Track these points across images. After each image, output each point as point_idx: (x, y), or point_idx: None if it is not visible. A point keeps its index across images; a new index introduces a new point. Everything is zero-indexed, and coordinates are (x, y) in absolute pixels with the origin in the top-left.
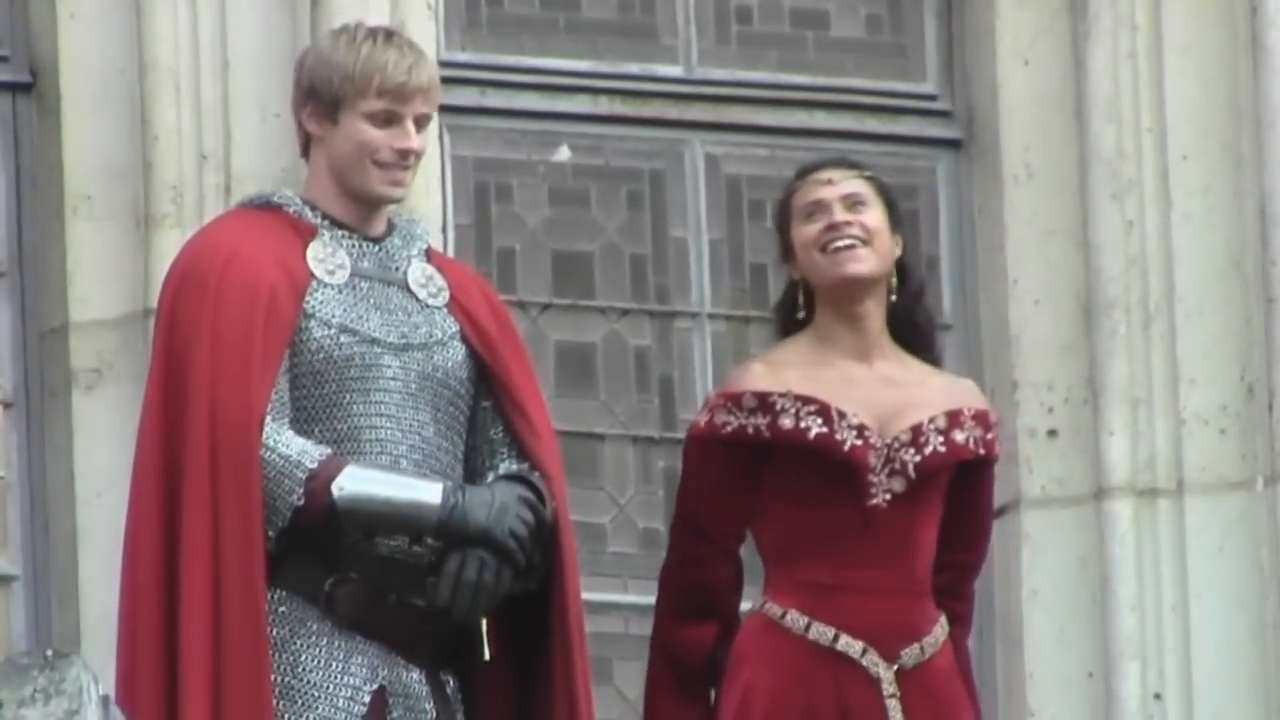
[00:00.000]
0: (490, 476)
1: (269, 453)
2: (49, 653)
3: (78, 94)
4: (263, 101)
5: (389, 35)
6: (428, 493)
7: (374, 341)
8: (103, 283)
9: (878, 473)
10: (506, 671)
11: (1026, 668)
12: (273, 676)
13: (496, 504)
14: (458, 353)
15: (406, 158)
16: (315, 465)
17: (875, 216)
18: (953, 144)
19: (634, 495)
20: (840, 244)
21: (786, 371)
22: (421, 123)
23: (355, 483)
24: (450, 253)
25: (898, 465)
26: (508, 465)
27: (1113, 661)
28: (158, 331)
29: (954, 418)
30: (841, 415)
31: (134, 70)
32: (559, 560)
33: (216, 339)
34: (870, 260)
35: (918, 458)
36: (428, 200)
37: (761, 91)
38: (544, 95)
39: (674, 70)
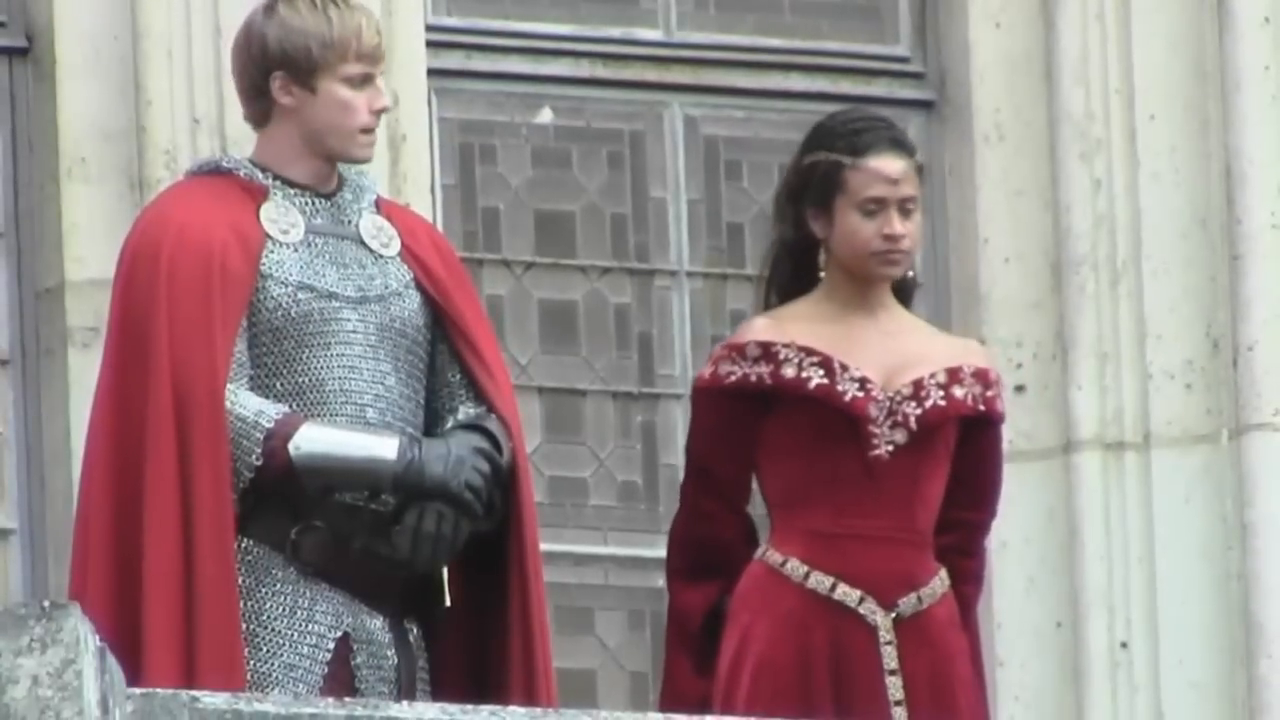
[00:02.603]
0: (449, 421)
1: (227, 415)
2: (46, 603)
3: (73, 59)
4: None
5: None
6: (384, 448)
7: (332, 296)
8: (98, 243)
9: (879, 424)
10: (464, 615)
11: (996, 618)
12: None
13: (453, 457)
14: (413, 301)
15: (379, 117)
16: (272, 425)
17: (918, 219)
18: (925, 105)
19: (614, 449)
20: (893, 258)
21: (791, 325)
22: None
23: (311, 442)
24: (438, 213)
25: (900, 418)
26: (465, 409)
27: (1081, 612)
28: (112, 305)
29: (954, 374)
30: (844, 368)
31: (127, 36)
32: (516, 502)
33: (173, 307)
34: (908, 263)
35: (918, 410)
36: (416, 162)
37: (739, 54)
38: (527, 59)
39: (654, 34)
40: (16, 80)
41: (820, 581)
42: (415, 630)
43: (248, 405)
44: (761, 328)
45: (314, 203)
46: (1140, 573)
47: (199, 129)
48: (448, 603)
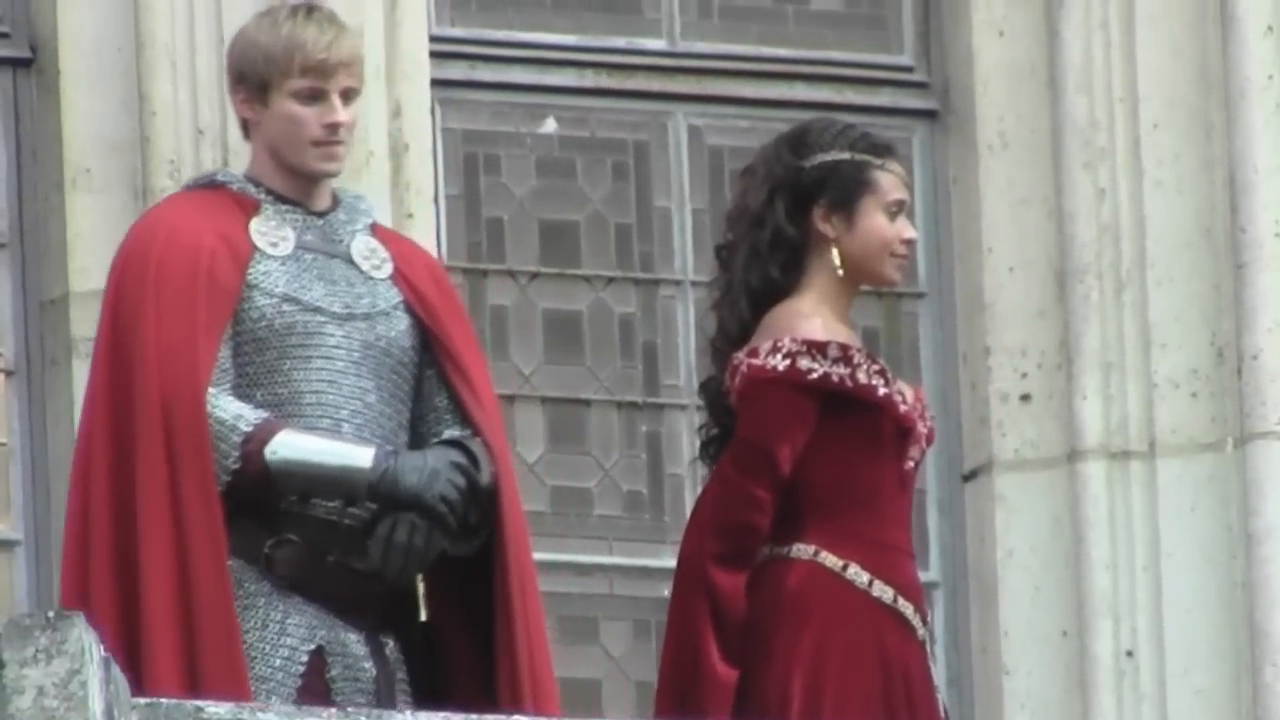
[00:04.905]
0: (433, 443)
1: (208, 418)
2: (51, 614)
3: (77, 70)
4: None
5: (310, 11)
6: (360, 457)
7: (317, 310)
8: (102, 254)
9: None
10: (464, 634)
11: (1002, 626)
12: None
13: (428, 469)
14: (401, 322)
15: (336, 131)
16: (250, 429)
17: None
18: (929, 114)
19: (618, 459)
20: (906, 262)
21: (838, 328)
22: (349, 96)
23: (287, 447)
24: (441, 223)
25: (916, 434)
26: (450, 432)
27: (1086, 620)
28: (103, 312)
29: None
30: (894, 378)
31: (131, 47)
32: (500, 525)
33: (160, 311)
34: None
35: (925, 429)
36: (420, 172)
37: (743, 64)
38: (532, 69)
39: (658, 44)
40: (21, 91)
41: (883, 591)
42: (392, 643)
43: (227, 409)
44: (820, 327)
45: (305, 219)
46: (1146, 581)
47: (203, 139)
48: (423, 617)
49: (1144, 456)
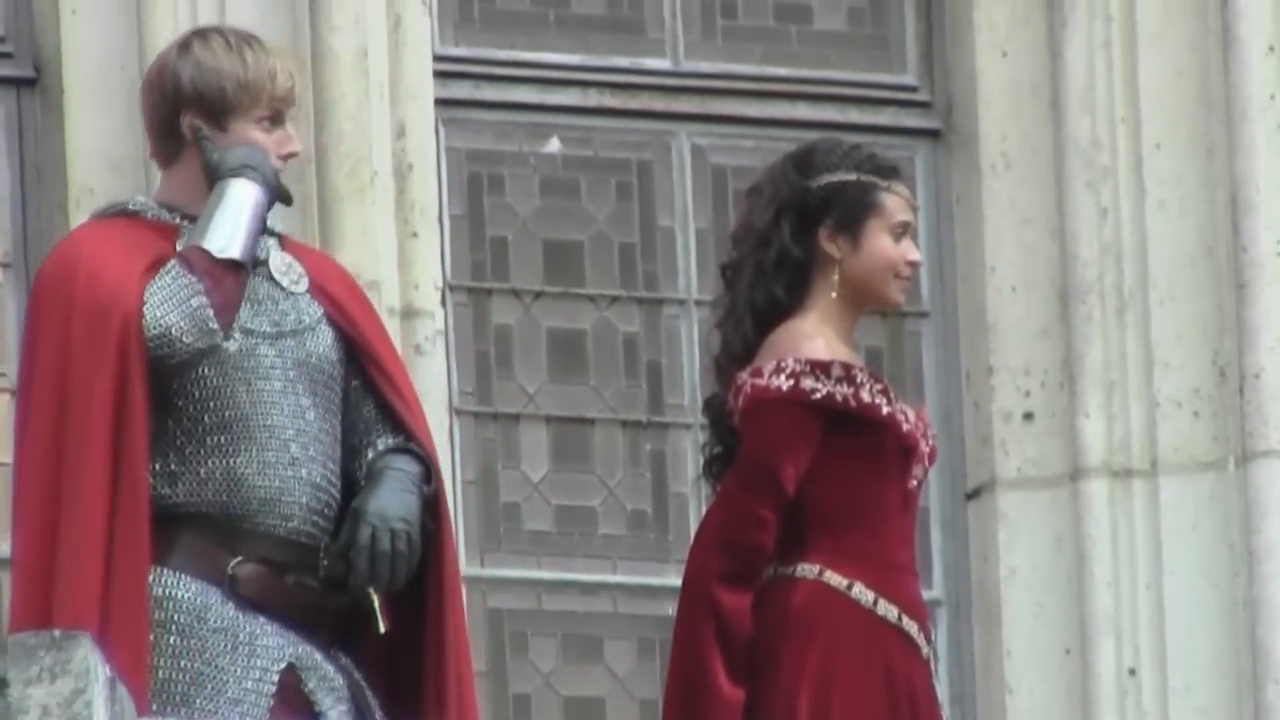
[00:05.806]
0: (369, 453)
1: (158, 343)
2: (56, 633)
3: (80, 89)
4: None
5: (250, 40)
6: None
7: (249, 332)
8: None
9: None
10: (385, 642)
11: (1005, 645)
12: (182, 663)
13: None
14: (326, 336)
15: (286, 161)
16: (209, 309)
17: None
18: (932, 134)
19: (623, 478)
20: (908, 284)
21: (840, 348)
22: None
23: (218, 238)
24: (445, 242)
25: (919, 452)
26: (384, 440)
27: (1089, 638)
28: (27, 335)
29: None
30: (896, 397)
31: (135, 65)
32: (439, 533)
33: (93, 275)
34: None
35: (928, 448)
36: (424, 191)
37: (746, 84)
38: (535, 88)
39: (661, 63)
40: (24, 110)
41: (888, 610)
42: (344, 658)
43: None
44: (822, 347)
45: None
46: (1148, 599)
47: None
48: (382, 630)
49: (1146, 475)
